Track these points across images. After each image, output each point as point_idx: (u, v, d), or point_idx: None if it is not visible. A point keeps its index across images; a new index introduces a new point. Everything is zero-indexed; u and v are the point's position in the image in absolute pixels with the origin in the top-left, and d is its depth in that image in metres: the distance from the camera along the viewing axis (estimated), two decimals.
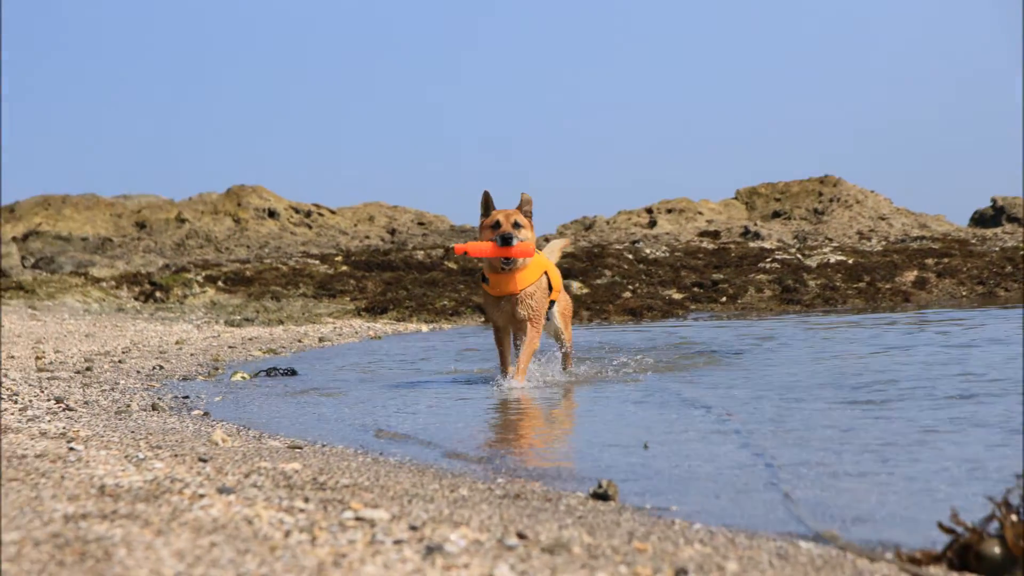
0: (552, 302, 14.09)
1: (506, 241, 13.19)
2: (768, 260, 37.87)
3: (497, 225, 13.33)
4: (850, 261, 37.52)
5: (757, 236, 47.46)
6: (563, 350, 14.85)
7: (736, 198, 55.94)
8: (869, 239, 46.81)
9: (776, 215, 53.22)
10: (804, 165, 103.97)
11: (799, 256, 38.84)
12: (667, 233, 50.20)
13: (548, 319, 14.12)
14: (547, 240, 40.68)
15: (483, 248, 13.27)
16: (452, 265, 38.72)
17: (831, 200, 52.91)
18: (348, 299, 34.87)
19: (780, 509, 6.71)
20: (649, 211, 53.40)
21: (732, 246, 42.76)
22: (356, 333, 26.58)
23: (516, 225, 13.31)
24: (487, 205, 13.56)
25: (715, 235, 48.27)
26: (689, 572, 5.00)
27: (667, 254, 40.90)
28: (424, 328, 28.63)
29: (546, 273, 13.81)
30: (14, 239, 50.74)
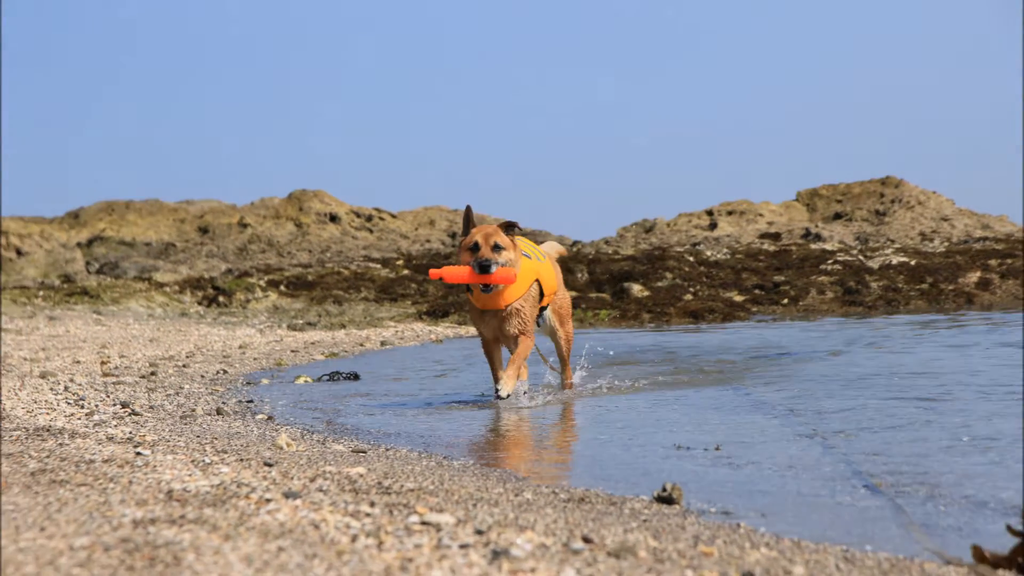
0: (543, 308, 13.20)
1: (484, 269, 12.17)
2: (830, 262, 37.65)
3: (476, 247, 12.30)
4: (912, 262, 37.26)
5: (818, 238, 47.26)
6: (560, 354, 13.99)
7: (797, 200, 55.74)
8: (931, 240, 46.54)
9: (837, 216, 52.99)
10: (865, 166, 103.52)
11: (861, 258, 38.61)
12: (728, 235, 50.09)
13: (540, 323, 13.36)
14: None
15: (460, 274, 12.27)
16: None
17: (893, 201, 52.62)
18: (409, 303, 34.96)
19: (848, 513, 6.68)
20: (710, 213, 53.29)
21: (793, 248, 42.55)
22: (417, 336, 26.63)
23: (496, 247, 12.28)
24: (467, 221, 12.63)
25: (776, 237, 48.09)
26: None
27: (728, 256, 40.75)
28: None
29: (537, 280, 12.87)
30: (79, 245, 51.16)
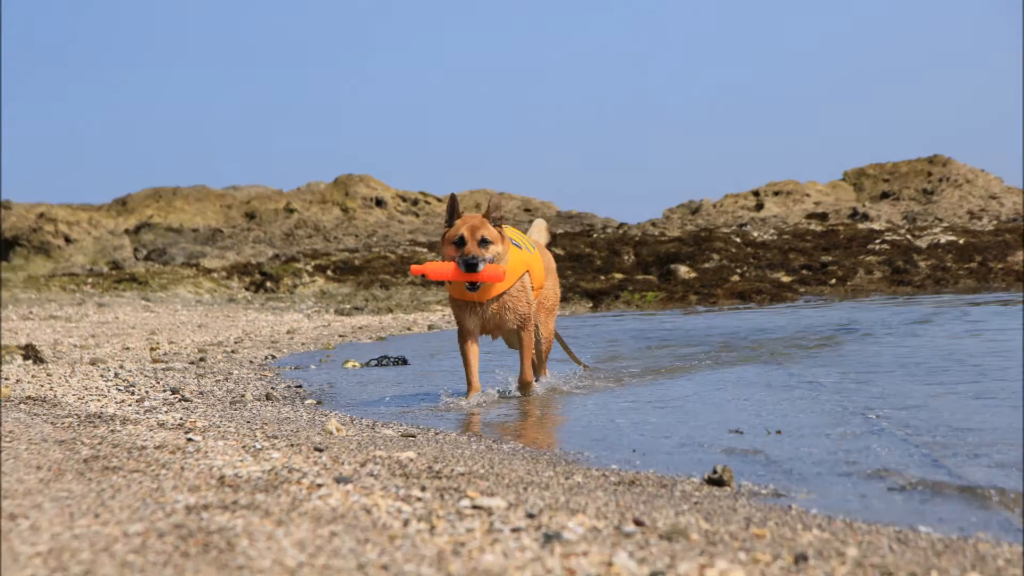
0: None
1: (471, 267, 11.18)
2: (877, 241, 37.55)
3: (461, 242, 11.24)
4: (961, 241, 37.08)
5: (866, 217, 47.08)
6: (538, 352, 12.61)
7: (844, 179, 55.50)
8: (980, 219, 46.28)
9: (885, 196, 52.74)
10: (913, 145, 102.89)
11: (909, 237, 38.48)
12: (774, 216, 49.95)
13: None
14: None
15: (444, 271, 11.31)
16: (559, 251, 38.73)
17: (940, 180, 52.35)
18: None
19: (900, 493, 6.65)
20: (756, 194, 53.15)
21: (841, 228, 42.43)
22: None
23: (483, 242, 11.25)
24: (452, 211, 11.56)
25: (823, 217, 47.95)
26: (809, 558, 4.97)
27: (775, 237, 40.67)
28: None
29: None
30: (127, 231, 51.43)
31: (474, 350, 11.77)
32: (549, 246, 13.46)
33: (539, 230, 13.29)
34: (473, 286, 11.33)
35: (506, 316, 11.62)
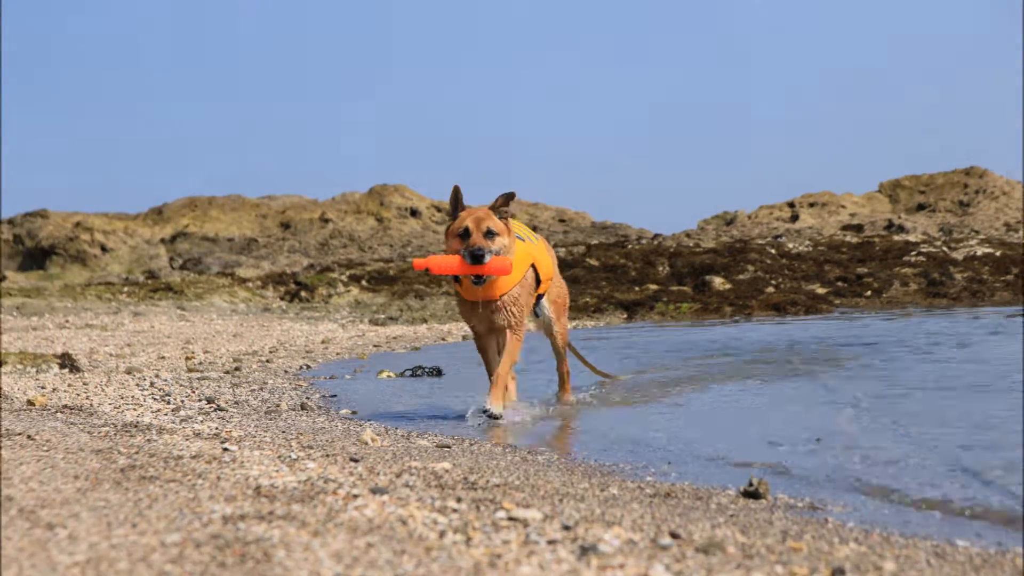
0: (540, 295, 11.75)
1: (477, 259, 10.70)
2: (913, 253, 37.44)
3: (466, 234, 10.79)
4: (997, 253, 36.93)
5: (901, 229, 46.96)
6: (557, 351, 12.36)
7: (879, 191, 55.41)
8: (1016, 231, 46.07)
9: (921, 208, 52.63)
10: (949, 157, 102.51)
11: (945, 249, 38.35)
12: (809, 227, 49.88)
13: (537, 314, 11.93)
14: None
15: (448, 264, 10.80)
16: (593, 262, 38.71)
17: (977, 192, 52.21)
18: None
19: (937, 507, 6.63)
20: (791, 205, 53.11)
21: (876, 240, 42.34)
22: None
23: (489, 233, 10.80)
24: (455, 203, 11.04)
25: (859, 229, 47.84)
26: (846, 572, 4.95)
27: (810, 248, 40.59)
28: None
29: (533, 265, 11.42)
30: (162, 241, 51.65)
31: (492, 349, 11.47)
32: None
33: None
34: (479, 279, 10.82)
35: (500, 315, 11.13)
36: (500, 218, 10.94)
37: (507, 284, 11.05)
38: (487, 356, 11.53)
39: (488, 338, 11.44)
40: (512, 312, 11.13)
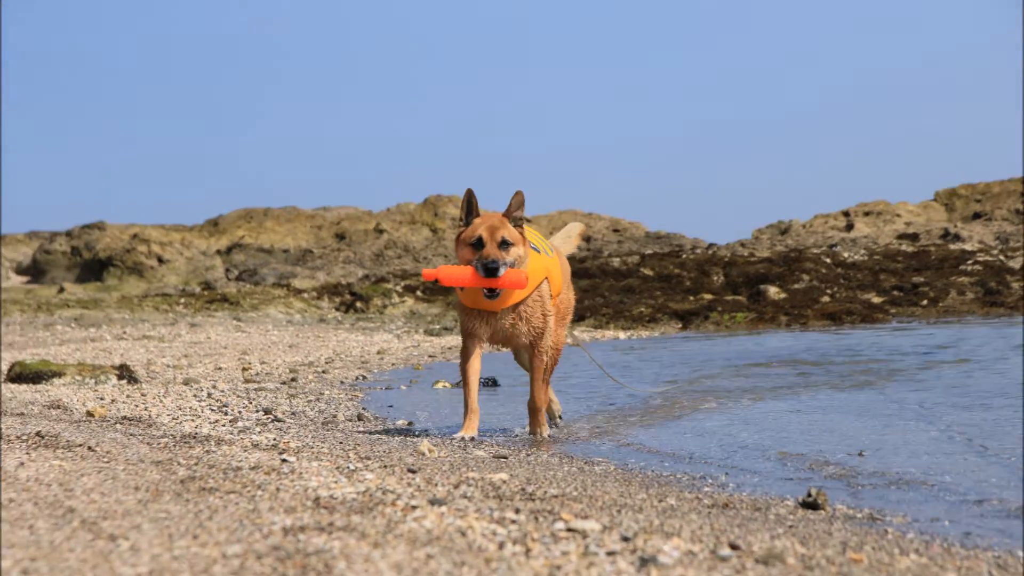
0: None
1: (490, 272, 9.89)
2: (969, 262, 37.24)
3: (479, 243, 9.97)
4: None
5: (957, 238, 46.72)
6: (540, 367, 10.72)
7: (935, 200, 55.15)
8: None
9: (976, 216, 52.32)
10: (1005, 165, 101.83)
11: (1002, 258, 38.12)
12: (865, 236, 49.68)
13: None
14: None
15: (460, 276, 9.99)
16: (648, 272, 38.69)
17: None
18: None
19: (999, 518, 6.60)
20: (846, 214, 52.92)
21: (932, 248, 42.15)
22: None
23: (504, 244, 9.97)
24: (468, 208, 10.24)
25: (914, 238, 47.62)
26: None
27: (865, 257, 40.45)
28: (622, 335, 28.63)
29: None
30: (218, 252, 51.93)
31: (476, 367, 10.38)
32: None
33: (566, 236, 12.17)
34: (492, 293, 10.00)
35: (519, 328, 10.28)
36: (515, 226, 10.13)
37: (517, 296, 10.22)
38: (468, 374, 10.37)
39: (477, 352, 10.41)
40: (534, 326, 10.32)
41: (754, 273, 36.18)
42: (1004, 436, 9.42)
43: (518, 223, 10.14)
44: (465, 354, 10.38)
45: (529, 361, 10.56)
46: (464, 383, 10.32)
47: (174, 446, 8.46)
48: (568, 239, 12.11)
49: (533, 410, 10.64)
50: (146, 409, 11.81)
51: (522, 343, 10.38)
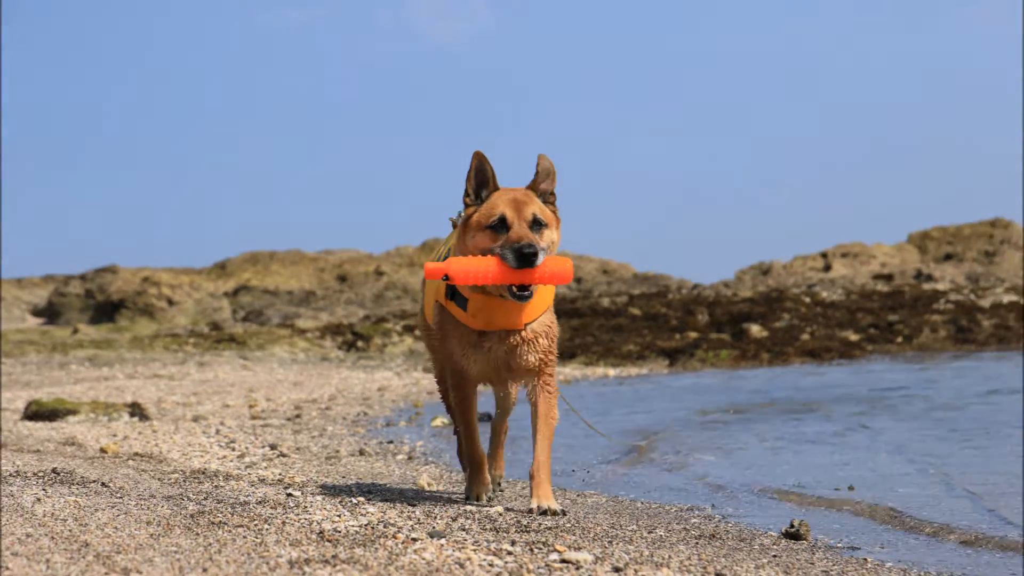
0: None
1: (525, 260, 7.02)
2: (942, 301, 37.90)
3: (502, 225, 7.18)
4: (1022, 302, 37.31)
5: (930, 278, 47.65)
6: (506, 406, 8.69)
7: (909, 241, 56.11)
8: None
9: (948, 257, 53.31)
10: (975, 209, 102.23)
11: (972, 297, 38.86)
12: (842, 276, 50.48)
13: None
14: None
15: (482, 270, 7.12)
16: (636, 311, 38.99)
17: (1002, 242, 53.03)
18: None
19: (971, 548, 6.84)
20: (824, 256, 53.77)
21: (906, 288, 43.04)
22: None
23: (536, 223, 7.22)
24: (481, 179, 7.39)
25: (889, 278, 48.45)
26: None
27: (843, 297, 41.10)
28: (611, 372, 28.78)
29: None
30: (225, 294, 52.21)
31: (474, 407, 8.01)
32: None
33: None
34: (523, 291, 7.10)
35: (524, 355, 7.41)
36: (544, 202, 7.41)
37: (537, 310, 7.44)
38: (469, 422, 7.98)
39: (474, 389, 7.89)
40: (545, 347, 7.46)
41: (737, 312, 36.60)
42: (973, 472, 9.65)
43: (548, 200, 7.45)
44: (466, 402, 7.90)
45: (533, 402, 7.59)
46: (465, 421, 7.96)
47: (184, 481, 8.55)
48: None
49: (538, 468, 7.49)
50: (157, 445, 11.95)
51: (523, 376, 7.52)
